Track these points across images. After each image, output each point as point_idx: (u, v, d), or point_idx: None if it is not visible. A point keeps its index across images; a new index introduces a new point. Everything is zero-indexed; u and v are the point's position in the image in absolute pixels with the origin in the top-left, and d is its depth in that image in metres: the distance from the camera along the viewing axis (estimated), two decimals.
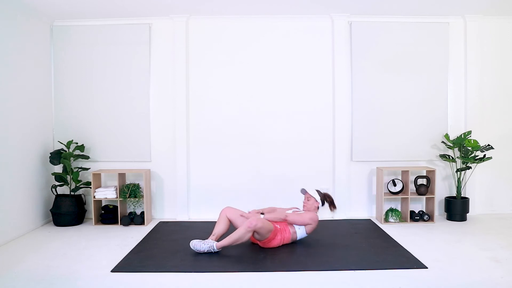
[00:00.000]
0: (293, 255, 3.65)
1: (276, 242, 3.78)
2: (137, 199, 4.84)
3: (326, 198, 4.10)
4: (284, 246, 3.85)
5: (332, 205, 4.11)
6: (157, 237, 4.27)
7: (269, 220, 3.79)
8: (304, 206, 4.05)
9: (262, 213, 3.87)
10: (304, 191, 4.10)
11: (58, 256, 3.64)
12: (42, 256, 3.66)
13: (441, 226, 4.65)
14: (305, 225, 3.89)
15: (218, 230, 3.83)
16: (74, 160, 4.93)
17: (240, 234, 3.56)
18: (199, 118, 5.10)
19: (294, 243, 3.94)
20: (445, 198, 4.98)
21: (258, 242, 3.80)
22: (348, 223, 4.77)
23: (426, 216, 4.78)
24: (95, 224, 4.78)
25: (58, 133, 5.09)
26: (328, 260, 3.49)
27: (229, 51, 5.07)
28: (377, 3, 4.64)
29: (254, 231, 3.59)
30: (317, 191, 4.09)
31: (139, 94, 5.06)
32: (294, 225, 3.90)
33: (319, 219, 4.02)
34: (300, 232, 3.92)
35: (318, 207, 4.04)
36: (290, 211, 4.06)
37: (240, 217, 3.88)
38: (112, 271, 3.27)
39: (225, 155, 5.10)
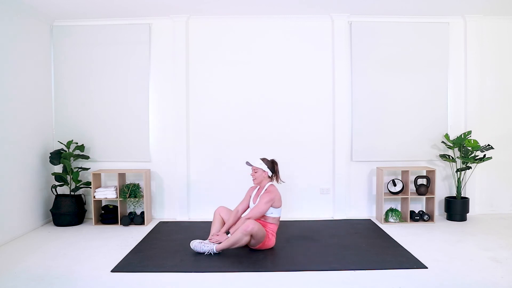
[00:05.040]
0: (293, 255, 3.65)
1: (271, 241, 3.77)
2: (137, 199, 4.84)
3: (275, 165, 3.94)
4: (284, 246, 3.86)
5: (278, 174, 3.95)
6: (157, 237, 4.27)
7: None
8: (254, 180, 3.91)
9: (228, 232, 3.77)
10: (248, 164, 3.93)
11: (58, 256, 3.64)
12: (42, 256, 3.66)
13: (441, 226, 4.65)
14: (267, 209, 3.74)
15: (215, 230, 3.87)
16: (74, 160, 4.93)
17: (237, 238, 3.56)
18: (199, 118, 5.10)
19: (294, 243, 3.95)
20: (445, 198, 4.98)
21: (256, 247, 3.75)
22: (348, 223, 4.77)
23: (426, 216, 4.78)
24: (95, 224, 4.78)
25: (58, 133, 5.09)
26: (328, 260, 3.49)
27: (229, 51, 5.07)
28: (377, 3, 4.64)
29: (251, 235, 3.58)
30: (263, 159, 3.94)
31: (139, 94, 5.06)
32: (265, 215, 3.77)
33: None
34: (275, 214, 3.80)
35: (269, 177, 3.91)
36: (251, 200, 3.93)
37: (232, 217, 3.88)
38: (112, 271, 3.27)
39: (225, 155, 5.10)
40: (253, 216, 3.72)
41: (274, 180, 3.97)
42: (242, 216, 3.90)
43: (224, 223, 3.91)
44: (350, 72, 5.09)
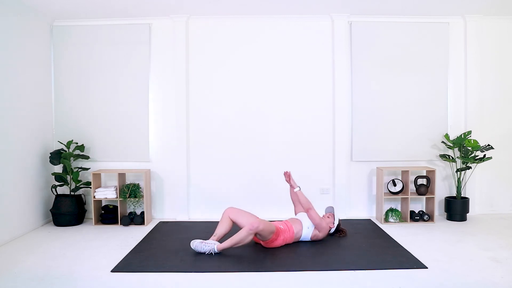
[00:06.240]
0: (293, 255, 3.65)
1: (279, 242, 3.78)
2: (137, 199, 4.84)
3: (339, 227, 4.24)
4: (284, 246, 3.85)
5: (336, 232, 4.24)
6: (157, 237, 4.27)
7: (297, 200, 4.13)
8: (323, 216, 4.23)
9: (299, 187, 4.08)
10: (331, 210, 4.29)
11: (58, 256, 3.64)
12: (42, 256, 3.66)
13: (441, 226, 4.65)
14: (317, 227, 3.95)
15: (220, 230, 3.81)
16: (74, 160, 4.93)
17: (242, 237, 3.55)
18: (199, 118, 5.10)
19: (294, 243, 3.94)
20: (445, 198, 4.98)
21: (261, 242, 3.80)
22: (348, 223, 4.77)
23: (426, 216, 4.78)
24: (95, 224, 4.78)
25: (58, 133, 5.09)
26: (328, 260, 3.49)
27: (229, 51, 5.07)
28: (377, 3, 4.64)
29: (256, 233, 3.59)
30: (340, 220, 4.33)
31: (139, 94, 5.06)
32: (301, 224, 3.94)
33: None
34: (305, 233, 3.93)
35: (330, 229, 4.13)
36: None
37: (243, 217, 3.83)
38: (112, 271, 3.27)
39: (225, 155, 5.10)
40: (313, 213, 3.94)
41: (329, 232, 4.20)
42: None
43: (232, 225, 3.88)
44: (350, 72, 5.09)
